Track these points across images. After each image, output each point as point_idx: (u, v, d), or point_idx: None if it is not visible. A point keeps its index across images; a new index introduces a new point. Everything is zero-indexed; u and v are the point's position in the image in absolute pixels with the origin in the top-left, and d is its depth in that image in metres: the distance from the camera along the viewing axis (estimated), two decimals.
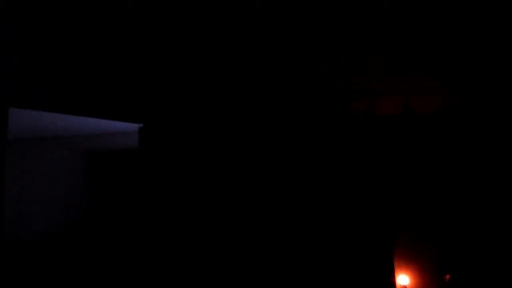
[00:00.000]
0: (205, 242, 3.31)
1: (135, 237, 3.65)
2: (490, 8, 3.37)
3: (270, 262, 3.29)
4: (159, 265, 3.27)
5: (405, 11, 3.42)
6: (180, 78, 3.48)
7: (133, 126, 3.56)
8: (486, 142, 3.42)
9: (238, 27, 3.44)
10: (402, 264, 3.44)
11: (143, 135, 3.48)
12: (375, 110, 3.58)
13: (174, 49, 3.47)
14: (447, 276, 3.41)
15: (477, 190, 3.43)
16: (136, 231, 3.56)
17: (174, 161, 3.41)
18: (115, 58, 3.17)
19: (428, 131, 3.51)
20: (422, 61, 3.52)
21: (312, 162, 3.43)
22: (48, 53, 2.82)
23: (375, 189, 3.48)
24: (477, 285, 3.35)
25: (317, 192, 3.41)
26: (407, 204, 3.54)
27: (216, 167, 3.41)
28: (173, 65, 3.47)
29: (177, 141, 3.44)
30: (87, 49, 3.02)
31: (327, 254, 3.32)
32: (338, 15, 3.40)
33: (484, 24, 3.40)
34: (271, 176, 3.40)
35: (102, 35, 3.08)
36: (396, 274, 3.41)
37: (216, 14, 3.39)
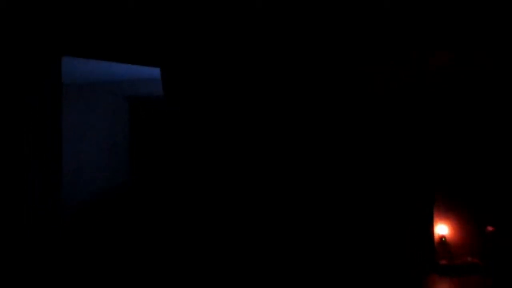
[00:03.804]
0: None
1: (174, 181, 3.82)
2: None
3: (327, 211, 3.41)
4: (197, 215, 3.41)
5: None
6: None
7: None
8: None
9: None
10: (441, 214, 3.47)
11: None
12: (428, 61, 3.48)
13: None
14: (490, 228, 3.39)
15: None
16: (175, 176, 3.72)
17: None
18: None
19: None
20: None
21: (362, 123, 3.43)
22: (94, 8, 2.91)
23: (416, 140, 3.45)
24: None
25: (364, 148, 3.44)
26: (449, 154, 3.49)
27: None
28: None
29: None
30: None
31: (369, 203, 3.40)
32: None
33: None
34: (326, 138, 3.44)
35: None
36: (435, 224, 3.45)
37: None
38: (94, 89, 4.93)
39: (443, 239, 3.45)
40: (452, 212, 3.47)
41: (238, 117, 3.41)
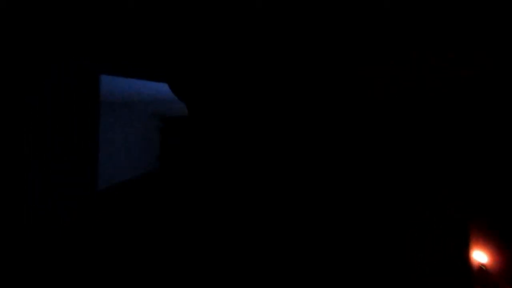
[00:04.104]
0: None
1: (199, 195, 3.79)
2: None
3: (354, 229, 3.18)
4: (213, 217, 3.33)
5: None
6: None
7: None
8: None
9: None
10: (480, 241, 3.02)
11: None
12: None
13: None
14: None
15: None
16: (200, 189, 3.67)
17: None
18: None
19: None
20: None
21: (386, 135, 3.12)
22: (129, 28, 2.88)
23: (451, 162, 3.04)
24: None
25: (395, 166, 3.12)
26: (486, 178, 3.04)
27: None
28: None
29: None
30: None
31: (403, 228, 3.08)
32: None
33: None
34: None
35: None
36: (472, 251, 3.01)
37: None
38: (126, 107, 5.05)
39: (482, 266, 3.00)
40: (491, 239, 3.00)
41: (241, 120, 3.28)
